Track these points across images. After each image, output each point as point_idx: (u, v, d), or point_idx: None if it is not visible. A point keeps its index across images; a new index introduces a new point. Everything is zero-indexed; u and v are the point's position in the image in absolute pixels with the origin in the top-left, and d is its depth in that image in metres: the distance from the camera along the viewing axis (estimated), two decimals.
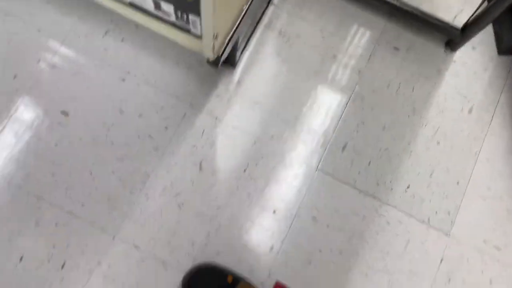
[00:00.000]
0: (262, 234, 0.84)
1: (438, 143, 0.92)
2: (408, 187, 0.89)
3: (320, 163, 0.89)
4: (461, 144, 0.93)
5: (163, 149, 0.87)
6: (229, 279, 0.78)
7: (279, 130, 0.90)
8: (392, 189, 0.89)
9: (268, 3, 0.97)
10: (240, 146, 0.88)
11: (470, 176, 0.91)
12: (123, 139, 0.86)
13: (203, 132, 0.88)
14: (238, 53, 0.91)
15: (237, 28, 0.78)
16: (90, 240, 0.81)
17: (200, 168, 0.86)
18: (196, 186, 0.85)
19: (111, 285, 0.79)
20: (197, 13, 0.67)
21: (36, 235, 0.80)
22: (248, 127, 0.89)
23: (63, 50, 0.90)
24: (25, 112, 0.86)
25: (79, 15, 0.92)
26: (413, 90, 0.95)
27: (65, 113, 0.86)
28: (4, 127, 0.84)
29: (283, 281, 0.82)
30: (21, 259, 0.78)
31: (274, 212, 0.85)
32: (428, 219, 0.88)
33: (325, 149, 0.90)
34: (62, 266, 0.79)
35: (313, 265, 0.83)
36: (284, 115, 0.91)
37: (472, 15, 0.89)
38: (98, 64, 0.90)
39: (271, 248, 0.84)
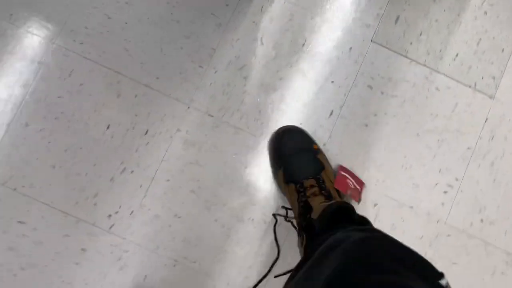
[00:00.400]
0: (322, 101, 0.91)
1: (485, 13, 0.96)
2: (456, 55, 0.95)
3: (374, 35, 0.94)
4: (506, 13, 0.96)
5: (225, 25, 0.91)
6: (315, 146, 0.87)
7: (333, 7, 0.93)
8: (441, 58, 0.94)
9: None
10: (298, 21, 0.93)
11: None
12: (187, 18, 0.91)
13: (261, 8, 0.92)
14: None
15: None
16: (167, 109, 0.88)
17: (261, 43, 0.92)
18: (259, 59, 0.91)
19: (191, 148, 0.88)
20: None
21: (118, 106, 0.87)
22: (304, 2, 0.93)
23: None
24: None
25: None
26: None
27: None
28: None
29: (342, 142, 0.90)
30: (108, 127, 0.87)
31: (332, 82, 0.92)
32: (475, 84, 0.94)
33: (379, 22, 0.94)
34: (146, 133, 0.88)
35: (369, 127, 0.92)
36: None
37: None
38: None
39: (331, 113, 0.91)
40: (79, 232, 0.84)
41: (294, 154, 0.84)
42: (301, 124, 0.90)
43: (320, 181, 0.81)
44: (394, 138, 0.92)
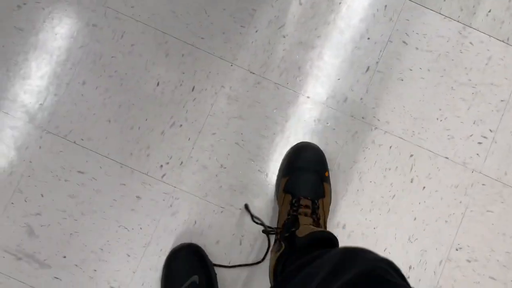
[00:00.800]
0: (359, 57, 0.95)
1: None
2: (489, 11, 0.97)
3: None
4: None
5: None
6: (326, 174, 0.88)
7: None
8: (474, 13, 0.97)
9: None
10: None
11: None
12: None
13: None
14: None
15: None
16: (212, 67, 0.94)
17: (300, 3, 0.96)
18: (297, 18, 0.96)
19: (234, 104, 0.93)
20: None
21: (167, 64, 0.93)
22: None
23: None
24: None
25: None
26: None
27: None
28: None
29: (378, 96, 0.94)
30: (157, 84, 0.93)
31: (368, 39, 0.96)
32: (508, 38, 0.97)
33: None
34: (192, 89, 0.93)
35: (405, 82, 0.95)
36: None
37: None
38: None
39: (367, 69, 0.95)
40: (134, 181, 0.90)
41: (305, 170, 0.86)
42: (339, 79, 0.95)
43: (316, 205, 0.83)
44: (429, 92, 0.95)
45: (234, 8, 0.95)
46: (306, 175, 0.86)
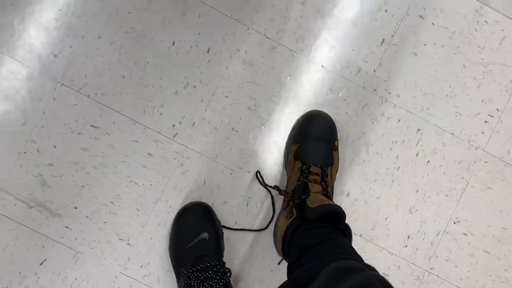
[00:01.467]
0: (375, 29, 0.95)
1: None
2: None
3: None
4: None
5: None
6: (336, 143, 0.90)
7: None
8: None
9: None
10: None
11: None
12: None
13: None
14: None
15: None
16: (228, 30, 0.94)
17: None
18: None
19: (249, 68, 0.94)
20: None
21: (183, 24, 0.93)
22: None
23: None
24: None
25: None
26: None
27: None
28: None
29: (391, 69, 0.95)
30: (173, 43, 0.93)
31: (386, 11, 0.96)
32: None
33: None
34: (208, 51, 0.93)
35: (418, 56, 0.96)
36: None
37: None
38: None
39: (382, 41, 0.96)
40: (146, 139, 0.91)
41: (316, 138, 0.87)
42: (353, 50, 0.95)
43: (325, 173, 0.85)
44: (441, 68, 0.96)
45: None
46: (317, 143, 0.88)
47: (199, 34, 0.93)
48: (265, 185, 0.91)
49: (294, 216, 0.79)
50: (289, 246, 0.79)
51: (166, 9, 0.93)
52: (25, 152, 0.89)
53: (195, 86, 0.93)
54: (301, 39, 0.95)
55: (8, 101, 0.89)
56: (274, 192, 0.92)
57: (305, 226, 0.77)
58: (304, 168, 0.85)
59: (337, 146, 0.91)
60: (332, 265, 0.59)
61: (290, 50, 0.95)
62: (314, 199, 0.78)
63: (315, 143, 0.88)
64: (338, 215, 0.75)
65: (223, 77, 0.93)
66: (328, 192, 0.84)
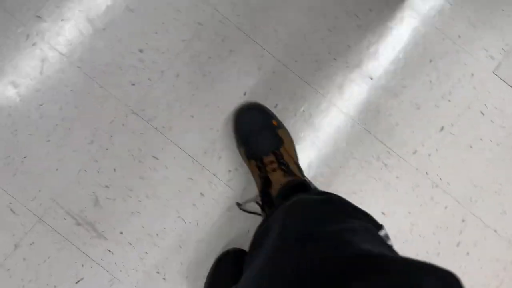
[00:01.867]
0: (436, 116, 0.99)
1: None
2: None
3: (497, 68, 1.01)
4: None
5: (365, 28, 1.00)
6: (274, 122, 0.91)
7: (464, 38, 1.01)
8: None
9: None
10: (429, 39, 1.01)
11: None
12: (333, 13, 1.00)
13: (402, 18, 1.01)
14: None
15: None
16: (298, 90, 0.98)
17: (393, 49, 1.00)
18: (388, 64, 1.00)
19: (311, 128, 0.97)
20: None
21: (257, 77, 0.97)
22: (440, 24, 1.01)
23: None
24: None
25: None
26: None
27: None
28: None
29: (446, 157, 0.98)
30: (244, 93, 0.97)
31: (449, 101, 1.00)
32: None
33: (503, 57, 1.01)
34: (275, 106, 0.97)
35: (473, 149, 0.99)
36: None
37: None
38: None
39: (442, 128, 0.99)
40: (202, 178, 0.94)
41: (254, 132, 0.89)
42: (412, 132, 0.99)
43: (279, 156, 0.85)
44: (493, 165, 0.99)
45: (331, 40, 0.99)
46: (257, 134, 0.88)
47: (270, 89, 0.97)
48: (249, 212, 0.91)
49: (263, 217, 0.80)
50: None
51: (244, 60, 0.97)
52: (85, 170, 0.92)
53: None
54: (365, 112, 0.98)
55: (82, 119, 0.93)
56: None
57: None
58: (258, 163, 0.86)
59: (279, 124, 0.92)
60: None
61: (353, 120, 0.98)
62: (275, 184, 0.80)
63: (255, 135, 0.88)
64: (301, 185, 0.76)
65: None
66: (290, 170, 0.84)
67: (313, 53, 0.99)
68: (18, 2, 0.93)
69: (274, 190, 0.79)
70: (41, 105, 0.92)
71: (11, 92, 0.92)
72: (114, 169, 0.93)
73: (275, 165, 0.84)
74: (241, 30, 0.98)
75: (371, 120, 0.98)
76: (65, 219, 0.91)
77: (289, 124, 0.97)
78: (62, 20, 0.94)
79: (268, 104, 0.97)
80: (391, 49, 1.00)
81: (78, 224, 0.91)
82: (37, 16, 0.93)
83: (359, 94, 0.99)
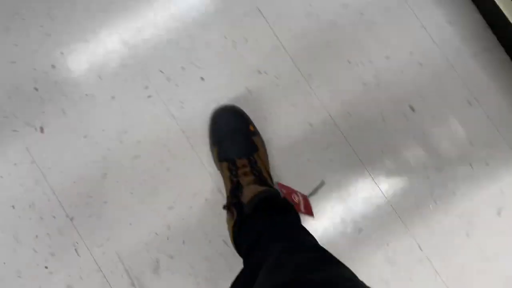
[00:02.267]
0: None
1: None
2: None
3: None
4: None
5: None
6: (251, 128, 0.88)
7: None
8: None
9: None
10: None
11: None
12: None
13: None
14: None
15: None
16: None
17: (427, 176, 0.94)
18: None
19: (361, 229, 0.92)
20: None
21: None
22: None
23: None
24: None
25: None
26: None
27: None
28: None
29: None
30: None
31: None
32: None
33: None
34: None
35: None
36: None
37: None
38: None
39: None
40: None
41: (229, 133, 0.87)
42: None
43: (252, 161, 0.83)
44: None
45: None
46: (232, 137, 0.86)
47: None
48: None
49: (235, 216, 0.77)
50: (238, 245, 0.78)
51: (341, 163, 0.95)
52: (156, 233, 0.91)
53: None
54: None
55: (169, 182, 0.92)
56: None
57: (246, 223, 0.76)
58: (230, 165, 0.83)
59: (255, 131, 0.89)
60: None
61: (396, 214, 0.92)
62: (247, 192, 0.77)
63: (230, 138, 0.86)
64: (270, 197, 0.75)
65: None
66: (262, 177, 0.82)
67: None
68: None
69: (245, 197, 0.77)
70: (137, 156, 0.93)
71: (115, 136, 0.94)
72: (183, 241, 0.91)
73: (247, 169, 0.83)
74: (346, 138, 0.96)
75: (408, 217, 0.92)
76: (122, 276, 0.90)
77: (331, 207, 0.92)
78: None
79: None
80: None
81: (133, 285, 0.89)
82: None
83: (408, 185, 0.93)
